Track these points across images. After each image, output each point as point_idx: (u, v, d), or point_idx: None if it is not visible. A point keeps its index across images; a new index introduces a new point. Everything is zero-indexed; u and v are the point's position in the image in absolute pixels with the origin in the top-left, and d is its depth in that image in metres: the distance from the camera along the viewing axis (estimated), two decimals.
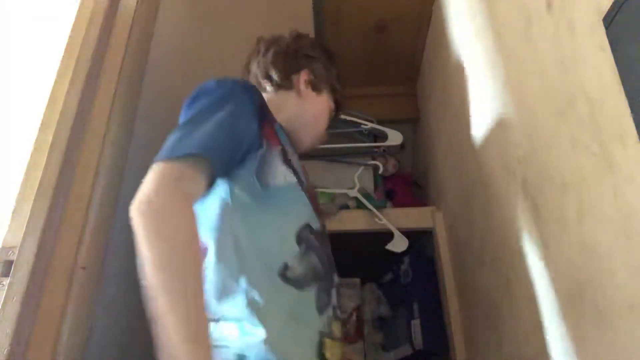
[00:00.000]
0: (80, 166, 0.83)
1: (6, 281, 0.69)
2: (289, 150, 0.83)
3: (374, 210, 1.31)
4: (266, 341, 0.64)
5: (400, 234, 1.28)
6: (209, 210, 0.72)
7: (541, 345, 0.73)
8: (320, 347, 0.70)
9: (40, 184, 0.77)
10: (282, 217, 0.74)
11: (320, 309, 0.72)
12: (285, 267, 0.70)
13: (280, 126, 0.85)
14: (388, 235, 1.28)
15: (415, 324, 1.27)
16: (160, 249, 0.58)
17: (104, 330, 0.89)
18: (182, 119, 0.75)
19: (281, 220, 0.74)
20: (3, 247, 0.72)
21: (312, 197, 0.83)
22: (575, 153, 0.59)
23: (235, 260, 0.69)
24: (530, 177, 0.75)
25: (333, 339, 0.73)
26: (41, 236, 0.73)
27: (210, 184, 0.69)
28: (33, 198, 0.75)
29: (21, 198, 0.76)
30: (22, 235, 0.72)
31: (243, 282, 0.68)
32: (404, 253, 1.29)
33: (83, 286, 0.78)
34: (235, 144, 0.71)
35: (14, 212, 0.75)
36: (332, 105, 1.00)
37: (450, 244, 1.25)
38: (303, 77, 0.96)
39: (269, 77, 0.96)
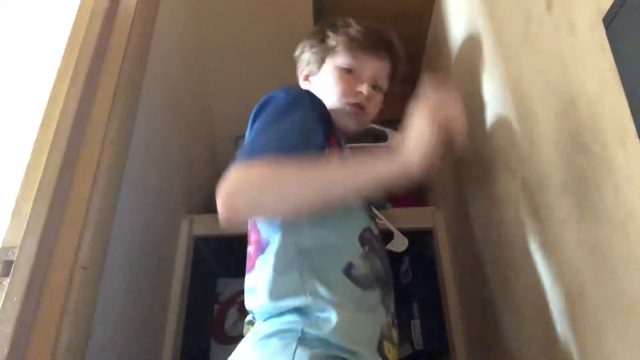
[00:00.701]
0: (80, 166, 0.83)
1: (6, 281, 0.69)
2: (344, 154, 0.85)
3: (374, 210, 1.31)
4: (337, 325, 0.64)
5: (400, 234, 1.27)
6: None
7: (541, 345, 0.74)
8: (381, 345, 0.70)
9: (40, 184, 0.77)
10: (345, 218, 0.75)
11: (385, 310, 0.74)
12: (350, 265, 0.70)
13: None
14: (388, 235, 1.28)
15: (415, 324, 1.27)
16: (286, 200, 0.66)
17: (104, 330, 0.89)
18: (252, 125, 0.77)
19: (345, 221, 0.75)
20: (3, 247, 0.72)
21: (366, 204, 0.84)
22: (575, 153, 0.59)
23: (299, 260, 0.70)
24: (530, 177, 0.75)
25: (392, 343, 0.74)
26: (41, 236, 0.73)
27: None
28: (33, 198, 0.75)
29: (21, 198, 0.76)
30: (22, 235, 0.72)
31: (307, 280, 0.68)
32: (404, 253, 1.29)
33: (83, 286, 0.78)
34: (308, 143, 0.73)
35: (14, 212, 0.75)
36: (339, 61, 0.93)
37: (450, 244, 1.25)
38: (300, 76, 0.99)
39: None
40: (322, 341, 0.64)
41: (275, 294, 0.69)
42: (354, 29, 0.95)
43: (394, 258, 1.35)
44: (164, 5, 1.19)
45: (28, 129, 0.83)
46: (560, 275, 0.66)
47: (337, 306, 0.66)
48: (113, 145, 0.89)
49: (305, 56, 0.99)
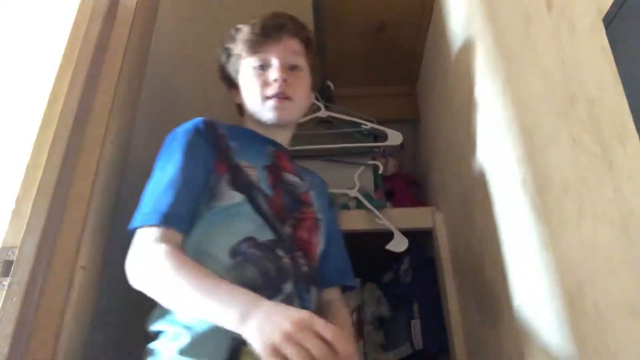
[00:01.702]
0: (80, 166, 0.83)
1: (6, 281, 0.69)
2: (251, 163, 0.88)
3: (374, 210, 1.31)
4: (186, 345, 0.70)
5: (400, 234, 1.28)
6: None
7: (541, 346, 0.74)
8: (236, 353, 0.70)
9: (40, 184, 0.77)
10: (219, 232, 0.79)
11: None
12: None
13: (243, 130, 0.95)
14: (388, 235, 1.28)
15: (415, 324, 1.27)
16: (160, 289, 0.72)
17: (104, 330, 0.89)
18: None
19: (218, 235, 0.79)
20: (3, 247, 0.72)
21: (277, 205, 0.86)
22: (575, 153, 0.59)
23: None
24: (530, 177, 0.75)
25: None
26: (41, 236, 0.73)
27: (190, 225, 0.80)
28: (33, 198, 0.75)
29: (21, 198, 0.76)
30: (22, 235, 0.72)
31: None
32: (404, 253, 1.29)
33: (83, 286, 0.78)
34: (193, 193, 0.81)
35: (14, 212, 0.75)
36: (247, 64, 0.94)
37: (450, 244, 1.25)
38: (229, 92, 1.02)
39: None
40: None
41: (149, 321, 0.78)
42: (245, 30, 0.97)
43: (394, 258, 1.36)
44: (164, 5, 1.19)
45: (28, 129, 0.83)
46: (560, 275, 0.66)
47: (188, 326, 0.71)
48: (113, 145, 0.89)
49: (223, 75, 1.02)
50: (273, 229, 0.83)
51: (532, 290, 0.76)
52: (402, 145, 1.50)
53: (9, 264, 0.71)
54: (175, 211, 0.76)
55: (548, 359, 0.71)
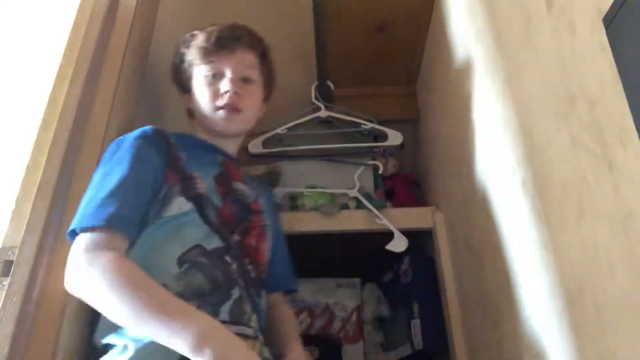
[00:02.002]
0: (80, 166, 0.83)
1: (6, 281, 0.69)
2: (201, 173, 0.87)
3: (374, 210, 1.31)
4: (131, 357, 0.67)
5: (400, 234, 1.27)
6: None
7: (541, 346, 0.74)
8: None
9: (40, 184, 0.77)
10: (167, 241, 0.78)
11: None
12: (164, 287, 0.69)
13: (194, 139, 0.94)
14: (388, 235, 1.28)
15: (415, 324, 1.27)
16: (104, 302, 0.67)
17: (103, 329, 0.89)
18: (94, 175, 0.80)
19: (166, 244, 0.78)
20: (3, 247, 0.72)
21: (226, 215, 0.86)
22: (575, 153, 0.59)
23: None
24: (530, 177, 0.75)
25: None
26: (41, 236, 0.73)
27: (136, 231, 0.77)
28: (33, 198, 0.75)
29: (21, 198, 0.76)
30: (22, 235, 0.72)
31: None
32: (404, 253, 1.28)
33: None
34: (141, 200, 0.78)
35: (14, 212, 0.75)
36: (200, 71, 0.95)
37: (450, 244, 1.25)
38: (181, 97, 1.02)
39: None
40: None
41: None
42: (200, 37, 0.97)
43: (394, 258, 1.36)
44: (164, 5, 1.19)
45: (28, 129, 0.83)
46: (560, 275, 0.66)
47: (136, 339, 0.68)
48: None
49: (176, 79, 1.02)
50: (221, 237, 0.83)
51: (532, 290, 0.76)
52: (402, 145, 1.50)
53: (9, 264, 0.70)
54: (122, 214, 0.73)
55: (548, 359, 0.71)
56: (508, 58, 0.82)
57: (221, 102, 0.92)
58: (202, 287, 0.76)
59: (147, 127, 0.86)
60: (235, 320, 0.77)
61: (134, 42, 1.00)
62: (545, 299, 0.71)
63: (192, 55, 0.96)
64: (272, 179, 1.42)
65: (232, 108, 0.92)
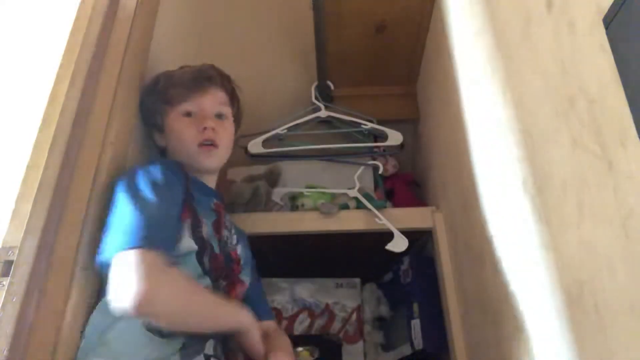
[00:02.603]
0: (80, 166, 0.83)
1: (6, 281, 0.69)
2: (204, 216, 0.91)
3: (374, 210, 1.31)
4: None
5: (400, 234, 1.27)
6: None
7: (541, 346, 0.74)
8: None
9: (40, 184, 0.77)
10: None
11: (186, 356, 0.76)
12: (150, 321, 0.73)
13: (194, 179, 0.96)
14: (388, 235, 1.28)
15: (415, 324, 1.27)
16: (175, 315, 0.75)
17: None
18: (120, 197, 0.82)
19: None
20: (3, 247, 0.72)
21: (218, 262, 0.89)
22: (575, 153, 0.59)
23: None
24: (530, 177, 0.75)
25: None
26: (41, 236, 0.73)
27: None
28: (33, 198, 0.75)
29: (21, 198, 0.76)
30: (22, 235, 0.72)
31: (113, 327, 0.74)
32: (404, 253, 1.29)
33: (83, 286, 0.78)
34: (175, 224, 0.83)
35: (14, 212, 0.75)
36: (176, 110, 0.99)
37: (450, 244, 1.25)
38: (153, 130, 1.04)
39: None
40: None
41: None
42: (175, 78, 1.01)
43: (394, 258, 1.36)
44: (164, 5, 1.19)
45: (28, 129, 0.83)
46: (560, 275, 0.66)
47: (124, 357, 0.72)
48: (113, 145, 0.89)
49: (148, 114, 1.03)
50: (211, 279, 0.87)
51: (532, 290, 0.76)
52: (402, 145, 1.50)
53: (9, 264, 0.70)
54: (168, 237, 0.79)
55: (548, 359, 0.71)
56: (508, 58, 0.82)
57: (201, 138, 0.96)
58: None
59: (170, 161, 0.92)
60: (217, 354, 0.82)
61: (134, 42, 1.00)
62: (545, 299, 0.71)
63: (167, 95, 0.99)
64: (272, 179, 1.42)
65: (210, 144, 0.96)
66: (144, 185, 0.82)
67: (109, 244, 0.75)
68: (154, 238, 0.74)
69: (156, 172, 0.85)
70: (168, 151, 1.01)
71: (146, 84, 1.04)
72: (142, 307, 0.68)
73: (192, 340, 0.77)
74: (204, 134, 0.95)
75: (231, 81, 1.07)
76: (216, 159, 0.99)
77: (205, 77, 1.01)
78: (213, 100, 1.00)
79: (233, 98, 1.06)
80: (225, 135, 1.00)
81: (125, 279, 0.69)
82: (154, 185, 0.82)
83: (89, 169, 0.83)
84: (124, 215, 0.78)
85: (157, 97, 1.01)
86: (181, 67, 1.06)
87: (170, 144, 1.00)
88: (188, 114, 0.98)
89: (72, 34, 0.92)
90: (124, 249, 0.72)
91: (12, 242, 0.72)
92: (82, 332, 0.76)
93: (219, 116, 1.01)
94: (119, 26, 0.99)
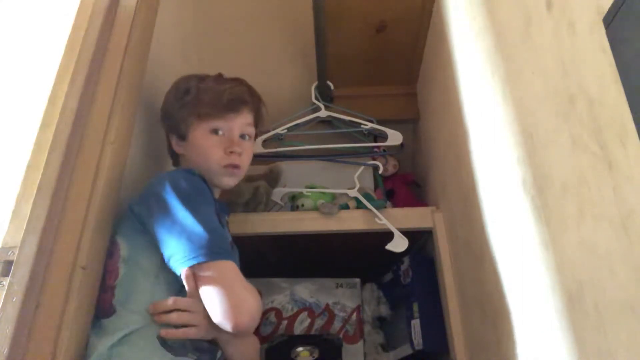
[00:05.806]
0: (80, 166, 0.83)
1: (6, 281, 0.69)
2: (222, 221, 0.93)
3: (374, 210, 1.31)
4: None
5: (400, 234, 1.27)
6: (151, 250, 0.83)
7: (541, 346, 0.74)
8: None
9: (40, 184, 0.77)
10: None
11: None
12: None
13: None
14: (388, 235, 1.28)
15: (415, 324, 1.27)
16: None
17: None
18: (173, 204, 0.83)
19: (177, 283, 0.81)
20: (3, 247, 0.72)
21: None
22: (575, 153, 0.59)
23: (135, 313, 0.78)
24: (530, 177, 0.75)
25: None
26: (41, 236, 0.73)
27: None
28: (33, 198, 0.75)
29: (21, 198, 0.76)
30: (22, 235, 0.72)
31: (131, 334, 0.76)
32: (404, 253, 1.29)
33: (83, 286, 0.78)
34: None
35: (14, 212, 0.75)
36: (205, 126, 0.99)
37: (450, 244, 1.25)
38: (172, 140, 1.04)
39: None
40: None
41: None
42: (210, 94, 1.00)
43: (394, 258, 1.36)
44: (164, 5, 1.19)
45: (28, 129, 0.83)
46: (560, 275, 0.66)
47: None
48: (113, 145, 0.89)
49: (172, 120, 1.03)
50: None
51: (532, 290, 0.76)
52: (402, 145, 1.50)
53: (9, 264, 0.71)
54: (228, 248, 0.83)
55: (548, 358, 0.71)
56: (508, 58, 0.82)
57: (227, 161, 0.97)
58: (201, 342, 0.80)
59: (199, 174, 0.92)
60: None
61: (134, 42, 1.00)
62: (545, 298, 0.71)
63: (198, 108, 0.99)
64: (272, 179, 1.42)
65: (234, 166, 0.98)
66: (195, 195, 0.84)
67: (182, 252, 0.77)
68: (227, 249, 0.79)
69: (198, 183, 0.87)
70: (184, 159, 1.02)
71: (175, 89, 1.03)
72: (251, 322, 0.76)
73: (204, 356, 0.79)
74: (230, 157, 0.97)
75: (261, 101, 1.08)
76: (237, 179, 1.01)
77: (241, 101, 1.02)
78: (242, 122, 1.01)
79: (258, 118, 1.07)
80: (246, 156, 1.02)
81: (230, 296, 0.75)
82: (203, 196, 0.85)
83: (89, 169, 0.83)
84: (188, 224, 0.79)
85: (186, 108, 1.00)
86: (216, 78, 1.04)
87: (192, 156, 1.00)
88: (215, 131, 0.99)
89: (72, 34, 0.92)
90: (205, 261, 0.76)
91: (12, 242, 0.72)
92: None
93: (243, 137, 1.02)
94: (119, 26, 0.99)
